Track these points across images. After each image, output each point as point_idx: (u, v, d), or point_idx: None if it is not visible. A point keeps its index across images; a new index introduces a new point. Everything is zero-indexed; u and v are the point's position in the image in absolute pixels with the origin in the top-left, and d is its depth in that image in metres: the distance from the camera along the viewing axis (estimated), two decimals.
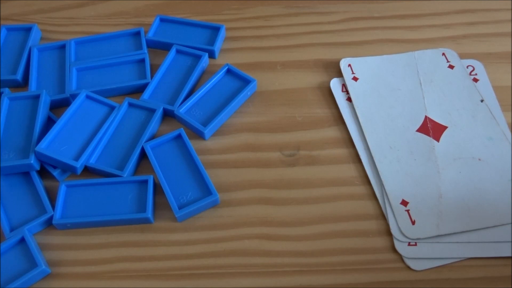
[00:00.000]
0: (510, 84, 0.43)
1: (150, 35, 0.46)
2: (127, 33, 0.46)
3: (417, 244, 0.35)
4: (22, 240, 0.35)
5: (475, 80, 0.43)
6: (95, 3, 0.50)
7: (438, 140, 0.39)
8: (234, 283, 0.34)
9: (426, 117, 0.40)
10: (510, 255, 0.34)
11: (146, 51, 0.44)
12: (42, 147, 0.37)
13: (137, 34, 0.46)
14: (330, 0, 0.50)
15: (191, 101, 0.41)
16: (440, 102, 0.41)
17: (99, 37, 0.46)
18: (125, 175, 0.37)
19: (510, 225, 0.35)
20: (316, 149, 0.40)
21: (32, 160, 0.36)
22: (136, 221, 0.36)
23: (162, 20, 0.47)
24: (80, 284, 0.34)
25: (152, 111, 0.41)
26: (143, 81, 0.43)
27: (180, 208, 0.36)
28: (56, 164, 0.38)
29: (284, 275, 0.34)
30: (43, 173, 0.38)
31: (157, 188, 0.38)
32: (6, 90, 0.41)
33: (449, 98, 0.42)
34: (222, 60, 0.45)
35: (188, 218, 0.37)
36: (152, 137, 0.40)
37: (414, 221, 0.35)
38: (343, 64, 0.44)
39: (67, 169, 0.38)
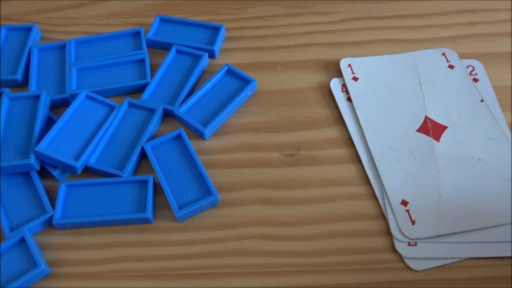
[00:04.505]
0: (510, 84, 0.43)
1: (150, 35, 0.46)
2: (127, 33, 0.46)
3: (417, 244, 0.35)
4: (22, 240, 0.35)
5: (475, 80, 0.43)
6: (95, 3, 0.50)
7: (438, 140, 0.39)
8: (234, 283, 0.34)
9: (426, 117, 0.40)
10: (510, 255, 0.34)
11: (146, 51, 0.44)
12: (42, 147, 0.37)
13: (137, 34, 0.46)
14: (330, 0, 0.50)
15: (191, 101, 0.41)
16: (440, 102, 0.41)
17: (99, 37, 0.46)
18: (125, 175, 0.37)
19: (510, 225, 0.35)
20: (316, 149, 0.40)
21: (32, 160, 0.36)
22: (136, 221, 0.36)
23: (162, 20, 0.47)
24: (80, 284, 0.34)
25: (152, 111, 0.41)
26: (143, 81, 0.43)
27: (180, 208, 0.36)
28: (56, 164, 0.38)
29: (284, 275, 0.34)
30: (43, 173, 0.38)
31: (157, 188, 0.38)
32: (6, 90, 0.41)
33: (449, 98, 0.42)
34: (222, 60, 0.45)
35: (188, 218, 0.37)
36: (152, 137, 0.40)
37: (414, 221, 0.35)
38: (343, 64, 0.44)
39: (67, 169, 0.38)
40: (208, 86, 0.42)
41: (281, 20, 0.48)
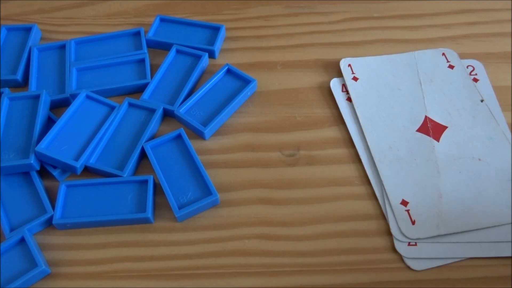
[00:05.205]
0: (510, 84, 0.43)
1: (150, 35, 0.46)
2: (127, 33, 0.46)
3: (417, 244, 0.35)
4: (22, 240, 0.35)
5: (475, 80, 0.43)
6: (95, 3, 0.50)
7: (438, 140, 0.39)
8: (234, 283, 0.34)
9: (426, 117, 0.40)
10: (510, 255, 0.34)
11: (146, 51, 0.44)
12: (42, 147, 0.37)
13: (137, 34, 0.46)
14: (330, 0, 0.50)
15: (191, 101, 0.41)
16: (440, 102, 0.41)
17: (99, 37, 0.46)
18: (125, 175, 0.37)
19: (510, 225, 0.35)
20: (316, 149, 0.40)
21: (32, 160, 0.36)
22: (136, 221, 0.36)
23: (162, 20, 0.47)
24: (80, 284, 0.34)
25: (152, 111, 0.41)
26: (143, 81, 0.43)
27: (180, 208, 0.36)
28: (56, 164, 0.38)
29: (284, 275, 0.34)
30: (43, 173, 0.38)
31: (157, 188, 0.38)
32: (6, 90, 0.41)
33: (449, 98, 0.42)
34: (222, 60, 0.45)
35: (188, 218, 0.37)
36: (152, 137, 0.40)
37: (414, 221, 0.35)
38: (343, 64, 0.44)
39: (67, 169, 0.38)
40: (208, 86, 0.42)
41: (281, 20, 0.48)
